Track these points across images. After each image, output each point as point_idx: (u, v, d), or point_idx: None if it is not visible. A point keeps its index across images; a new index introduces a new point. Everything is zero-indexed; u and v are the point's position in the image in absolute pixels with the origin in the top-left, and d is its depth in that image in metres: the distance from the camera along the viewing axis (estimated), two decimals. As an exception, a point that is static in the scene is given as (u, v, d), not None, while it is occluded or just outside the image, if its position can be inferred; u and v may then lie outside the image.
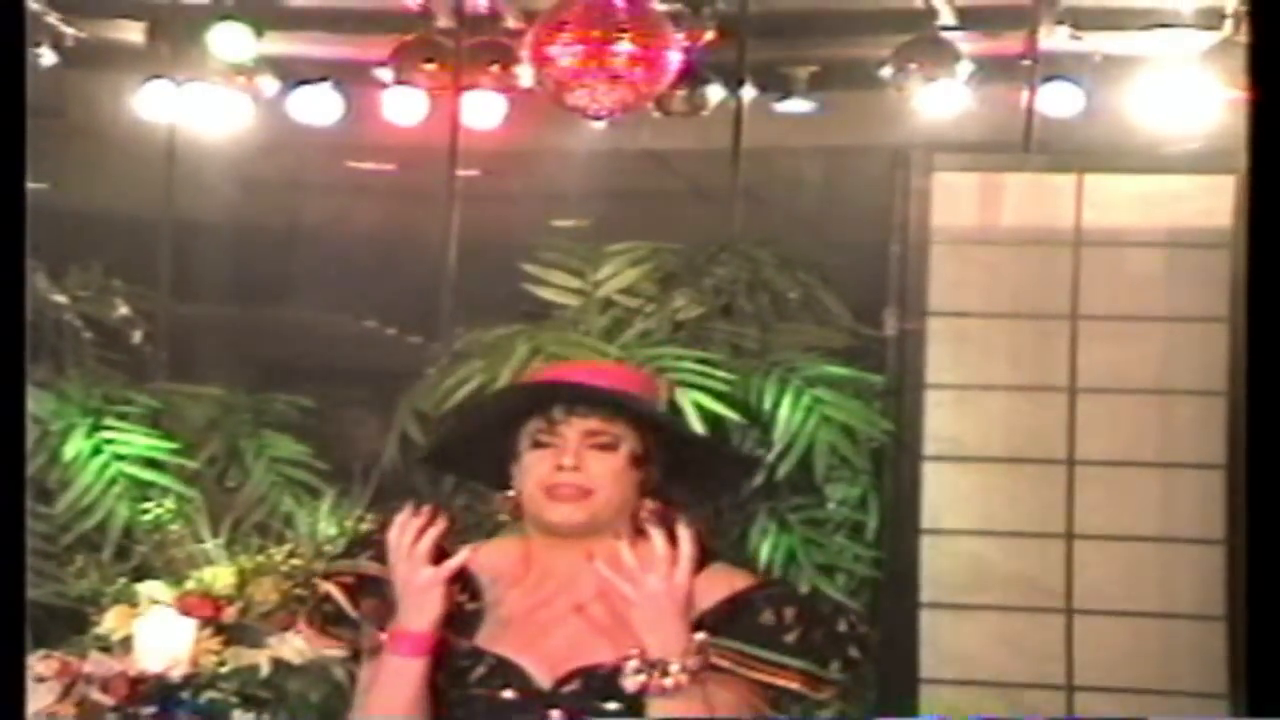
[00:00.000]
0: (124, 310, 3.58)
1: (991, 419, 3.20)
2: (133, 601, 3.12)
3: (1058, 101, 3.70)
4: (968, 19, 3.79)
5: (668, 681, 2.38)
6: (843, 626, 2.58)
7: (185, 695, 3.04)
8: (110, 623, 3.10)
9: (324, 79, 3.90)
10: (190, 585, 3.15)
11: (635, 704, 2.52)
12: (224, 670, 3.06)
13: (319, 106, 3.90)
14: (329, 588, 2.63)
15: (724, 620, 2.52)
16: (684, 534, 2.38)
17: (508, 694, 2.57)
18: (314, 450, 3.45)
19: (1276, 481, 1.78)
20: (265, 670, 3.07)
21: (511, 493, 2.65)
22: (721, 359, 3.25)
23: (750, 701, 2.54)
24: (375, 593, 2.61)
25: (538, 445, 2.61)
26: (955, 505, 3.18)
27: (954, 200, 3.22)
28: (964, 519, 3.17)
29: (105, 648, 3.07)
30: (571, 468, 2.58)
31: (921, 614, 3.15)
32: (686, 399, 3.18)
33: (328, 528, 3.32)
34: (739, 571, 2.66)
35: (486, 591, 2.64)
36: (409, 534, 2.49)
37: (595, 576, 2.56)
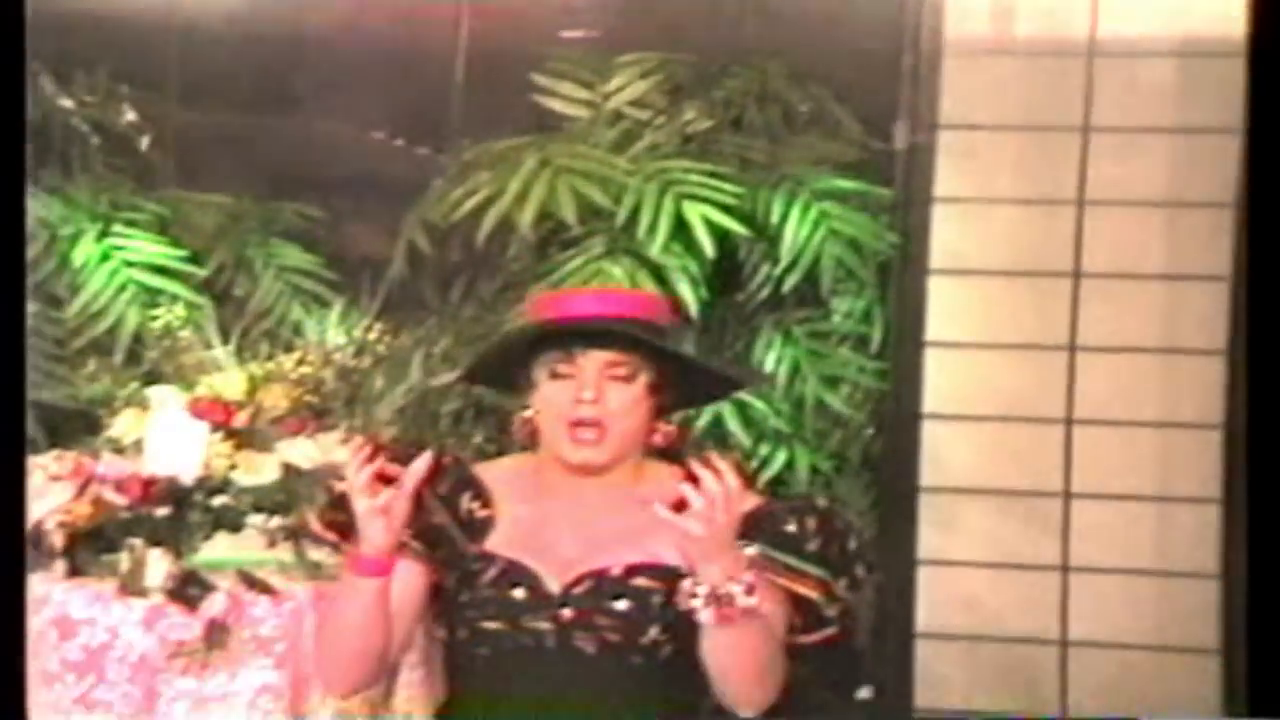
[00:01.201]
0: (130, 116, 3.62)
1: (998, 233, 3.24)
2: (144, 405, 3.21)
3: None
4: None
5: (736, 610, 2.47)
6: (854, 544, 2.70)
7: (198, 498, 3.13)
8: (122, 426, 3.20)
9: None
10: (201, 391, 3.23)
11: (644, 605, 2.68)
12: (235, 474, 3.15)
13: (325, -91, 3.89)
14: (344, 488, 2.72)
15: (750, 528, 2.61)
16: (726, 467, 2.48)
17: (518, 594, 2.68)
18: (322, 260, 3.51)
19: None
20: (275, 475, 3.16)
21: (529, 413, 2.76)
22: (730, 172, 3.27)
23: (778, 608, 2.63)
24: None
25: (556, 377, 2.70)
26: (959, 318, 3.23)
27: (967, 10, 3.22)
28: (968, 332, 3.22)
29: (118, 450, 3.16)
30: (591, 401, 2.68)
31: (923, 425, 3.22)
32: (694, 212, 3.22)
33: (336, 336, 3.41)
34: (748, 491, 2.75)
35: (497, 501, 2.75)
36: (353, 466, 2.58)
37: (602, 489, 2.70)
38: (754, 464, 3.32)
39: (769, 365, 3.32)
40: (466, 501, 2.76)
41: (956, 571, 3.20)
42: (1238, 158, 3.07)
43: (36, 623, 2.95)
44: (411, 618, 2.80)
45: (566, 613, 2.71)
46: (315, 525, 2.90)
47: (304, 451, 3.18)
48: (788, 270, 3.27)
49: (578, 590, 2.72)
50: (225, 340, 3.35)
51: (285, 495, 3.14)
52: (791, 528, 2.70)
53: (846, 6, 3.53)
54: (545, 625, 2.70)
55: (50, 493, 3.09)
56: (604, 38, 3.64)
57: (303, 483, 3.14)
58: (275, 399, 3.23)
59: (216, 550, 3.14)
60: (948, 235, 3.24)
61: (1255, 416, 1.79)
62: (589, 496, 2.75)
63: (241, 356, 3.33)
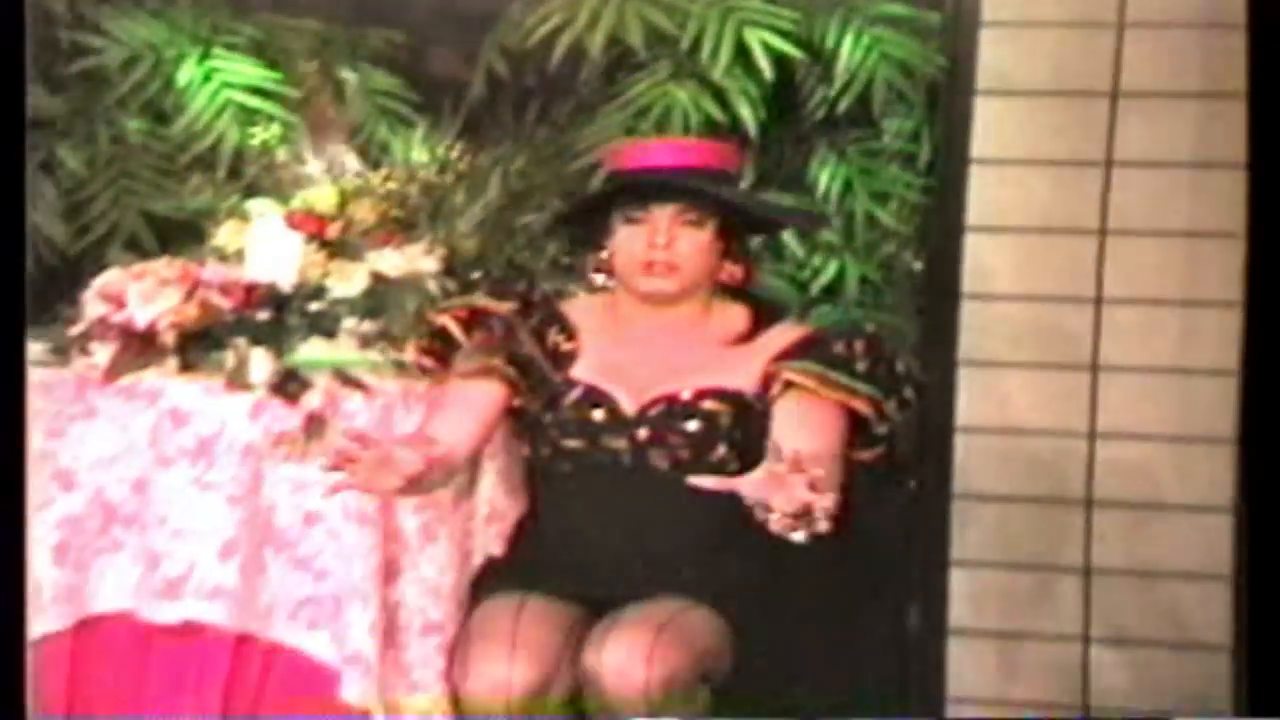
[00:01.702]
0: None
1: (1042, 54, 3.34)
2: (244, 217, 3.38)
3: None
4: None
5: (818, 515, 2.63)
6: (901, 367, 2.97)
7: (295, 303, 3.31)
8: (225, 236, 3.37)
9: None
10: (296, 204, 3.39)
11: (713, 425, 2.94)
12: (329, 282, 3.32)
13: None
14: (445, 320, 3.04)
15: (802, 351, 2.88)
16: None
17: (597, 415, 2.96)
18: (406, 83, 3.63)
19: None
20: (365, 282, 3.33)
21: (605, 254, 2.98)
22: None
23: (837, 426, 2.89)
24: (485, 326, 3.00)
25: (631, 222, 2.93)
26: (1003, 136, 3.36)
27: None
28: (1010, 149, 3.35)
29: (222, 258, 3.34)
30: (663, 245, 2.90)
31: (966, 237, 3.38)
32: (754, 38, 3.35)
33: (420, 155, 3.56)
34: (798, 325, 3.11)
35: (580, 334, 3.02)
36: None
37: (674, 323, 2.98)
38: (807, 274, 3.49)
39: (823, 182, 3.48)
40: (553, 335, 3.04)
41: (993, 371, 3.38)
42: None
43: (152, 414, 3.16)
44: (489, 431, 3.06)
45: (642, 432, 2.95)
46: (413, 355, 3.16)
47: (391, 262, 3.35)
48: (841, 92, 3.41)
49: (652, 412, 2.96)
50: (320, 156, 3.51)
51: (375, 302, 3.30)
52: (840, 349, 2.91)
53: None
54: (622, 444, 2.96)
55: (161, 296, 3.25)
56: None
57: (390, 290, 3.31)
58: (364, 213, 3.39)
59: (313, 351, 3.28)
60: (993, 56, 3.34)
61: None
62: (662, 329, 3.00)
63: (332, 173, 3.48)
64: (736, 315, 3.01)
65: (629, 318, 3.02)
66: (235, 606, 3.10)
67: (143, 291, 3.27)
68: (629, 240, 2.98)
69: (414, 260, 3.35)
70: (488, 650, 2.92)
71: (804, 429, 2.86)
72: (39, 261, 3.55)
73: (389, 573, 3.17)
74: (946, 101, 3.42)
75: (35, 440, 3.16)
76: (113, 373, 3.23)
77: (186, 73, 3.55)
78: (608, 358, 3.02)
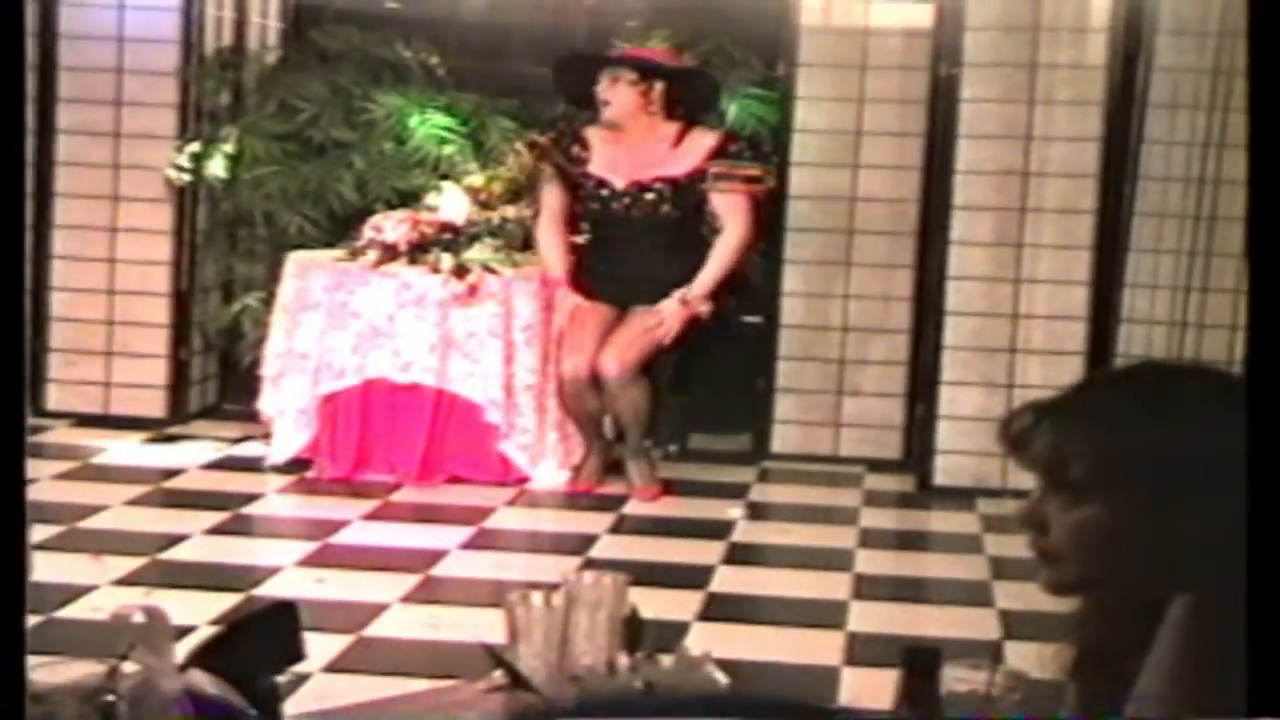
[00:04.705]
0: (433, 60, 5.84)
1: (825, 114, 5.44)
2: (439, 190, 5.49)
3: None
4: None
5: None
6: (767, 147, 5.20)
7: (464, 230, 5.37)
8: (431, 199, 5.45)
9: None
10: (464, 182, 5.53)
11: (661, 195, 4.98)
12: (479, 219, 5.47)
13: None
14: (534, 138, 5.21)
15: (716, 153, 5.06)
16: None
17: (604, 191, 5.10)
18: (519, 124, 5.69)
19: None
20: (497, 221, 5.48)
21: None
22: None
23: (742, 198, 5.08)
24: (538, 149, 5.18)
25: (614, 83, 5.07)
26: (807, 152, 5.49)
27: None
28: (815, 158, 5.51)
29: (429, 209, 5.39)
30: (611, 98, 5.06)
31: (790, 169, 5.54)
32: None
33: (518, 167, 5.68)
34: (712, 131, 5.10)
35: (591, 147, 5.19)
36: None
37: (640, 140, 5.06)
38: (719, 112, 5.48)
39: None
40: (577, 150, 5.25)
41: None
42: None
43: (394, 284, 5.14)
44: (567, 202, 5.26)
45: (626, 200, 5.20)
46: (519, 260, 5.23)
47: (509, 211, 5.46)
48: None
49: (631, 189, 5.18)
50: (476, 160, 5.69)
51: (501, 230, 5.39)
52: (734, 149, 5.15)
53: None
54: (617, 205, 5.22)
55: (399, 230, 5.25)
56: None
57: (509, 224, 5.42)
58: (497, 186, 5.51)
59: (472, 253, 5.22)
60: (805, 114, 5.49)
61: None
62: (632, 140, 5.16)
63: (483, 168, 5.62)
64: (671, 130, 5.12)
65: (617, 135, 5.08)
66: (436, 376, 5.11)
67: (391, 225, 5.18)
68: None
69: (520, 210, 5.38)
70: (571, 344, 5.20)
71: (736, 210, 5.03)
72: (345, 210, 5.70)
73: (507, 358, 5.17)
74: (782, 138, 5.52)
75: (338, 297, 5.29)
76: (376, 265, 5.12)
77: (414, 120, 5.63)
78: (604, 157, 5.14)
